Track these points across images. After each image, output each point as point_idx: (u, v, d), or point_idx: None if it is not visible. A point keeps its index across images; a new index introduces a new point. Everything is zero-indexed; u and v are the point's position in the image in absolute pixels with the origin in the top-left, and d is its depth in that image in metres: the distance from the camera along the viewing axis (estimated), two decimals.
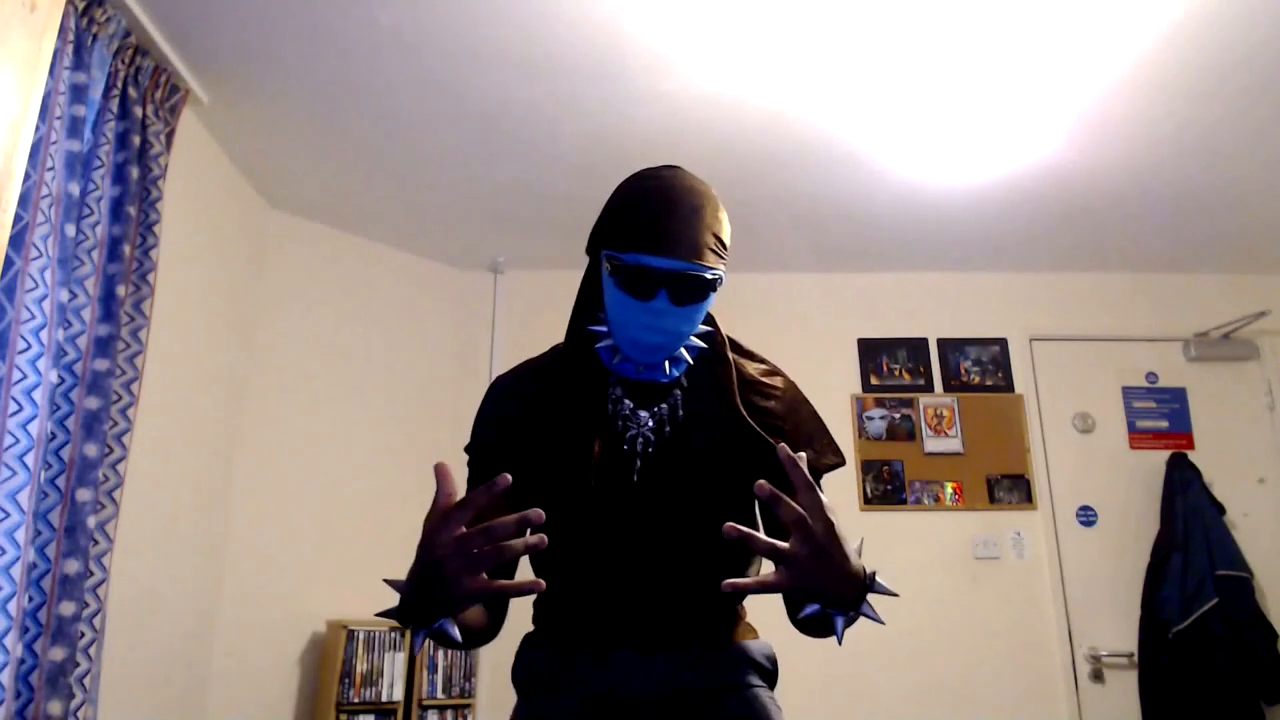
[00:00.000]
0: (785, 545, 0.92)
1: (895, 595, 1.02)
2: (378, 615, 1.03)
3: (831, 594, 0.96)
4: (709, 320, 1.28)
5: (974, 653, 3.47)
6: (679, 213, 1.13)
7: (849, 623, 1.00)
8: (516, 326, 3.90)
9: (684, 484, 1.20)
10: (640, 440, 1.21)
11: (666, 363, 1.22)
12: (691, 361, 1.25)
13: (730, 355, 1.28)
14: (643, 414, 1.22)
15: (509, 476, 0.86)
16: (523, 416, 1.26)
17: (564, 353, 1.27)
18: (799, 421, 1.27)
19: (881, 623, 1.00)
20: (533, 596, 1.31)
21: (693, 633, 1.21)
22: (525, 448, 1.24)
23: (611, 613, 1.19)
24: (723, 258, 1.17)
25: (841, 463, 1.28)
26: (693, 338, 1.23)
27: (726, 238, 1.18)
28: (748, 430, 1.22)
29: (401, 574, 0.99)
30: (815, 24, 2.37)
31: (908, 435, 3.75)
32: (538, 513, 0.86)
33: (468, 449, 1.30)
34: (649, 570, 1.19)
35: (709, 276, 1.14)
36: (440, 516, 0.90)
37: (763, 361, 1.33)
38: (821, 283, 3.94)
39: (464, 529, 0.89)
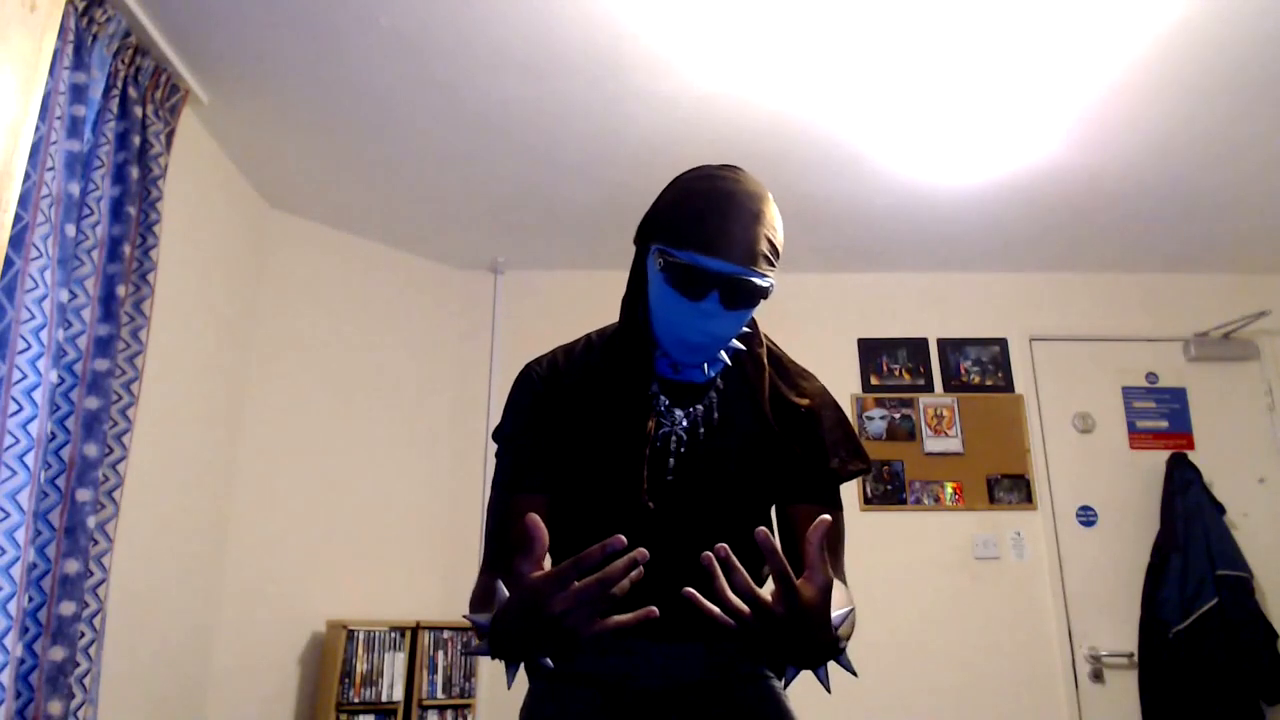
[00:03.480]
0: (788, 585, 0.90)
1: (855, 675, 1.03)
2: (464, 653, 1.05)
3: (787, 653, 0.95)
4: (750, 322, 1.27)
5: (974, 653, 3.47)
6: (739, 216, 1.11)
7: (790, 680, 1.04)
8: (516, 326, 3.90)
9: (714, 486, 1.21)
10: (674, 439, 1.22)
11: (705, 363, 1.22)
12: (729, 363, 1.25)
13: (765, 360, 1.28)
14: (678, 412, 1.23)
15: (623, 538, 0.84)
16: (563, 410, 1.24)
17: (619, 347, 1.24)
18: (826, 428, 1.27)
19: (828, 690, 1.05)
20: None
21: (708, 626, 1.22)
22: (565, 442, 1.22)
23: (632, 603, 1.20)
24: (774, 266, 1.16)
25: (867, 469, 1.28)
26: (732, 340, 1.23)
27: (780, 246, 1.17)
28: (776, 439, 1.23)
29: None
30: (815, 24, 2.37)
31: (908, 435, 3.75)
32: (619, 539, 0.85)
33: (498, 435, 1.28)
34: (672, 564, 1.20)
35: (761, 284, 1.12)
36: (553, 578, 0.88)
37: (796, 365, 1.33)
38: (821, 283, 3.94)
39: (575, 583, 0.88)
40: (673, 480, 1.20)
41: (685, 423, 1.23)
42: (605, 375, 1.24)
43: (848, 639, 1.03)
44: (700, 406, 1.23)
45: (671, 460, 1.21)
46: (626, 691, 1.18)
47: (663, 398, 1.23)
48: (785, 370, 1.31)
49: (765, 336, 1.30)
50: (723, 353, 1.23)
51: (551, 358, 1.30)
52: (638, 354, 1.22)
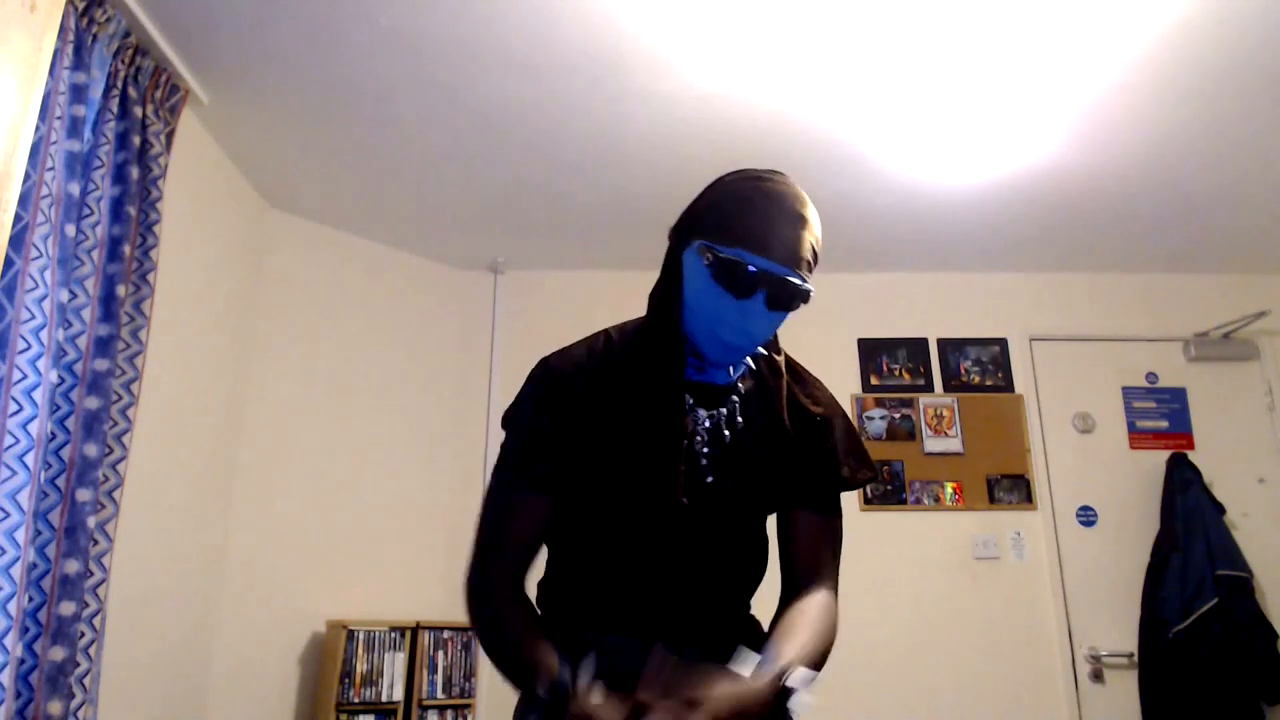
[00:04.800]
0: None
1: (808, 707, 1.07)
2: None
3: None
4: None
5: (974, 653, 3.47)
6: (788, 218, 1.12)
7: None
8: (516, 326, 3.90)
9: (739, 488, 1.22)
10: (698, 439, 1.21)
11: (731, 365, 1.23)
12: (753, 366, 1.26)
13: (783, 366, 1.29)
14: (701, 412, 1.23)
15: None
16: (585, 410, 1.20)
17: (649, 344, 1.21)
18: (837, 437, 1.29)
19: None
20: (539, 579, 1.31)
21: (721, 628, 1.24)
22: (585, 443, 1.19)
23: (650, 606, 1.21)
24: (811, 273, 1.17)
25: (874, 476, 1.32)
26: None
27: (820, 255, 1.18)
28: (792, 444, 1.24)
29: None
30: (815, 24, 2.37)
31: (908, 435, 3.75)
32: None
33: (510, 422, 1.24)
34: (693, 567, 1.21)
35: (805, 288, 1.13)
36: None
37: (809, 373, 1.35)
38: (821, 283, 3.90)
39: None
40: (711, 481, 1.20)
41: (708, 424, 1.22)
42: (633, 373, 1.21)
43: (810, 669, 1.08)
44: (724, 409, 1.23)
45: (704, 461, 1.20)
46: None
47: (687, 397, 1.22)
48: (800, 377, 1.32)
49: (782, 347, 1.32)
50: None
51: (572, 353, 1.26)
52: (670, 351, 1.20)
